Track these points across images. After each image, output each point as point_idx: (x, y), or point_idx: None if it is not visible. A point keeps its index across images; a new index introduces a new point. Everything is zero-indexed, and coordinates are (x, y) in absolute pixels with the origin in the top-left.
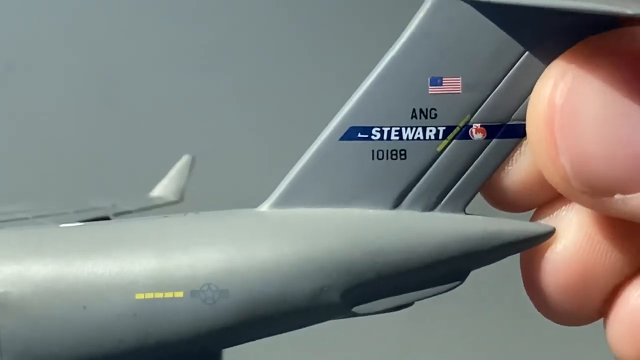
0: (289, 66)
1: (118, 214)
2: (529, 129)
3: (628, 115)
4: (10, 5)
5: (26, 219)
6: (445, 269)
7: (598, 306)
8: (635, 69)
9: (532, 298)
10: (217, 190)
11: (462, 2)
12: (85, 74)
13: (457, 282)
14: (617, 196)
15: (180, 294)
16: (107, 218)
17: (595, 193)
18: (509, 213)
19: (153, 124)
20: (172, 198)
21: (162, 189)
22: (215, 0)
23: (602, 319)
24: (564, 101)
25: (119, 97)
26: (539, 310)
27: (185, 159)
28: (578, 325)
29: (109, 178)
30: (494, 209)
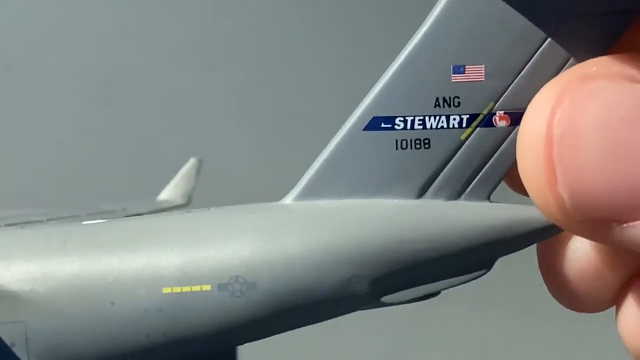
0: (296, 67)
1: (129, 216)
2: (520, 158)
3: (627, 145)
4: (10, 5)
5: (40, 221)
6: (471, 258)
7: (613, 294)
8: (634, 96)
9: (548, 283)
10: (224, 193)
11: None
12: (89, 75)
13: (484, 271)
14: (614, 225)
15: (207, 288)
16: None
17: (593, 222)
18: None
19: (159, 127)
20: (179, 201)
21: (170, 192)
22: (218, 0)
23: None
24: (563, 131)
25: (123, 99)
26: (553, 296)
27: (192, 162)
28: (591, 312)
29: (115, 182)
30: (518, 197)
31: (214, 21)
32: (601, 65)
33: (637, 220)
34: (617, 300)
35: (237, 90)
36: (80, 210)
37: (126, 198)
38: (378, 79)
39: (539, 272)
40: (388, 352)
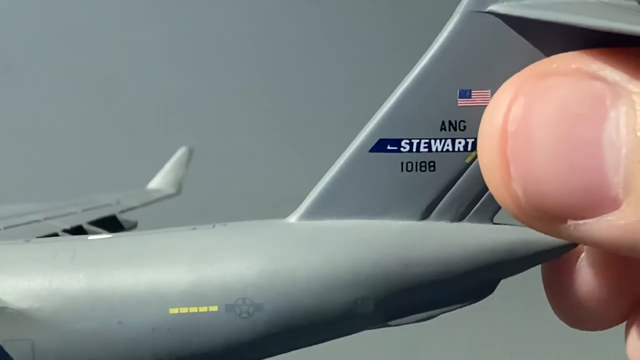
0: (286, 64)
1: (124, 211)
2: (480, 154)
3: (580, 141)
4: (11, 5)
5: (38, 221)
6: (475, 279)
7: (620, 313)
8: (590, 93)
9: (553, 303)
10: (214, 182)
11: (491, 16)
12: (87, 73)
13: (487, 292)
14: (570, 222)
15: (214, 309)
16: (113, 216)
17: (547, 219)
18: None
19: (151, 118)
20: (170, 190)
21: (160, 181)
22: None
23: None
24: (516, 128)
25: (117, 92)
26: (558, 315)
27: (182, 150)
28: (595, 330)
29: (106, 170)
30: None
31: (219, 20)
32: (562, 62)
33: (590, 217)
34: (627, 320)
35: (228, 83)
36: (75, 205)
37: (114, 187)
38: (384, 99)
39: (539, 272)
40: (388, 352)
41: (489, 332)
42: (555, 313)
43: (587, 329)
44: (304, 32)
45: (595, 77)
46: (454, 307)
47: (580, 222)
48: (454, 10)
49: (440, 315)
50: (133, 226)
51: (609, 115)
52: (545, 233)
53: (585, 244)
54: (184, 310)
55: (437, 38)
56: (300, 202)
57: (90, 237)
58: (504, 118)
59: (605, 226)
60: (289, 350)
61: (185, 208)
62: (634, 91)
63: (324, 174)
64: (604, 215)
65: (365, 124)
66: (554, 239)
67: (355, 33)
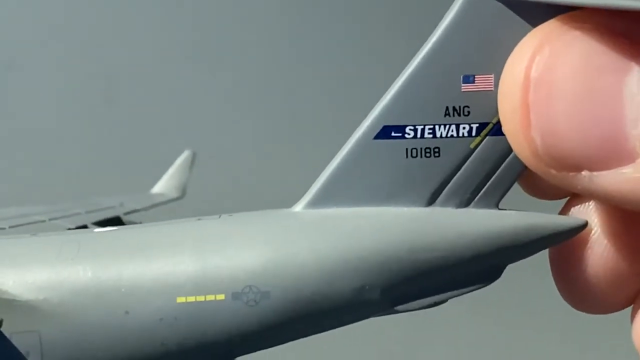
0: (288, 64)
1: (127, 213)
2: (501, 100)
3: (601, 93)
4: (11, 5)
5: (43, 221)
6: (481, 264)
7: (629, 295)
8: (614, 47)
9: (560, 285)
10: (218, 186)
11: (494, 0)
12: (85, 71)
13: (494, 277)
14: (584, 173)
15: (221, 297)
16: (118, 217)
17: (563, 168)
18: (541, 207)
19: (154, 121)
20: (174, 194)
21: (164, 185)
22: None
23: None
24: (539, 75)
25: (118, 95)
26: (565, 298)
27: (185, 154)
28: (603, 313)
29: (108, 174)
30: (527, 204)
31: (222, 20)
32: (589, 17)
33: (606, 169)
34: (634, 304)
35: (231, 86)
36: (79, 207)
37: (118, 191)
38: (387, 87)
39: (539, 273)
40: (388, 352)
41: (489, 332)
42: (562, 295)
43: (593, 312)
44: (306, 29)
45: (620, 34)
46: (460, 292)
47: (595, 173)
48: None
49: (440, 315)
50: None
51: (631, 69)
52: (559, 184)
53: (597, 197)
54: (191, 299)
55: (439, 24)
56: None
57: (96, 229)
58: (527, 65)
59: (620, 179)
60: (296, 338)
61: (189, 211)
62: None
63: None
64: (620, 168)
65: (367, 114)
66: (559, 223)
67: (355, 26)
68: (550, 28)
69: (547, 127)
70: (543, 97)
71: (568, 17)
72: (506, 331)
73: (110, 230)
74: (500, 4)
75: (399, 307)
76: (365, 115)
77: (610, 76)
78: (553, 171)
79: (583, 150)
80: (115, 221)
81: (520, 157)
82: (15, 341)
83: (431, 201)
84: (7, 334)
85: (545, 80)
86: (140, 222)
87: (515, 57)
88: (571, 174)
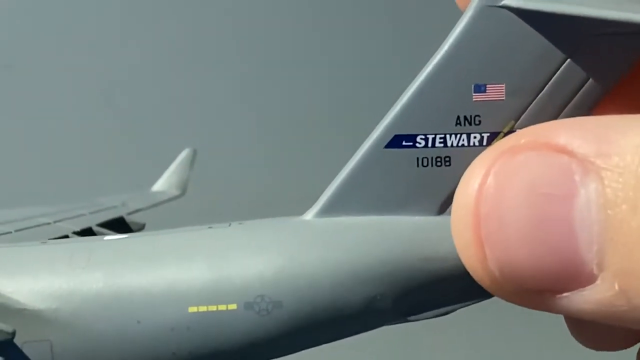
0: (288, 64)
1: (131, 213)
2: (454, 234)
3: (551, 221)
4: (11, 5)
5: (48, 224)
6: None
7: (636, 335)
8: (559, 170)
9: (572, 328)
10: (219, 184)
11: (504, 10)
12: (85, 72)
13: None
14: (548, 295)
15: (233, 307)
16: (121, 218)
17: (526, 295)
18: None
19: (154, 120)
20: (175, 192)
21: (164, 183)
22: (217, 1)
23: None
24: (488, 210)
25: (120, 93)
26: (575, 337)
27: (186, 152)
28: (613, 351)
29: (109, 172)
30: None
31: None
32: (530, 136)
33: (567, 291)
34: None
35: (231, 85)
36: (83, 208)
37: (119, 189)
38: (397, 95)
39: None
40: (388, 352)
41: (489, 332)
42: (572, 334)
43: (605, 349)
44: (310, 29)
45: (563, 151)
46: (472, 301)
47: (558, 296)
48: (457, 8)
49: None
50: (141, 228)
51: (579, 193)
52: (528, 307)
53: (566, 315)
54: (203, 308)
55: (450, 33)
56: (307, 200)
57: (106, 237)
58: (475, 200)
59: (582, 300)
60: (308, 347)
61: (192, 209)
62: (602, 167)
63: (331, 173)
64: (581, 290)
65: (379, 121)
66: None
67: (362, 30)
68: (494, 154)
69: (503, 259)
70: (494, 230)
71: (511, 138)
72: (506, 331)
73: (121, 239)
74: (511, 13)
75: (411, 317)
76: (375, 122)
77: (559, 202)
78: (516, 298)
79: (543, 278)
80: (119, 222)
81: (481, 284)
82: (27, 350)
83: (442, 210)
84: (18, 343)
85: (494, 214)
86: (144, 223)
87: (463, 190)
88: (535, 297)
